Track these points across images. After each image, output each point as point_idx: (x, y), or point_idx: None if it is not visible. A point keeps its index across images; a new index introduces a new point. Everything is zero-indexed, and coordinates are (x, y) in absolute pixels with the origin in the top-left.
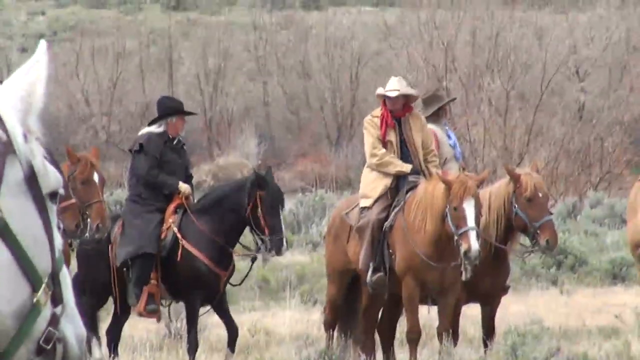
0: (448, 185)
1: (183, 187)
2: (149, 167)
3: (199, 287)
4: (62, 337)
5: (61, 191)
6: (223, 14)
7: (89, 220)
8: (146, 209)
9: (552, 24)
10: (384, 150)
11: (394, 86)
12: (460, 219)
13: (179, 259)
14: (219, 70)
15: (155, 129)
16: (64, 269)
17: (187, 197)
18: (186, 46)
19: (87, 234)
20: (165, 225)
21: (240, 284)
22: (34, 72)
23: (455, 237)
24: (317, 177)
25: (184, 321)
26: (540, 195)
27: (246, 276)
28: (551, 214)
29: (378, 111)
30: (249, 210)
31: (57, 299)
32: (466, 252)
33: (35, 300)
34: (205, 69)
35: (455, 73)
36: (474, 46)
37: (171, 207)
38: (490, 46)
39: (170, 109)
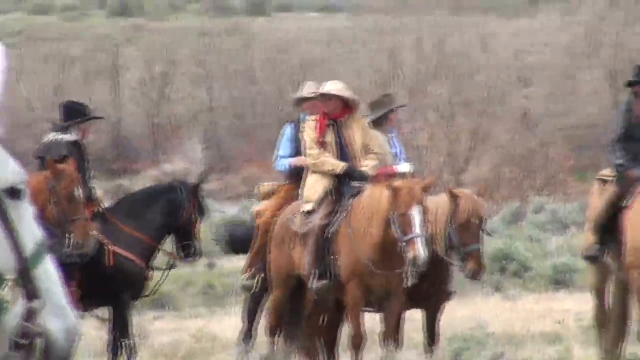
0: (394, 191)
1: (99, 193)
2: None
3: (130, 289)
4: (43, 331)
5: (22, 186)
6: (168, 20)
7: (71, 236)
8: None
9: (496, 30)
10: (317, 150)
11: (326, 88)
12: (407, 226)
13: (110, 263)
14: (165, 76)
15: (70, 137)
16: (45, 263)
17: (99, 203)
18: (131, 52)
19: (68, 250)
20: None
21: (149, 295)
22: None
23: (401, 244)
24: (262, 182)
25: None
26: (473, 221)
27: (158, 285)
28: (486, 234)
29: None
30: (185, 215)
31: (31, 294)
32: (413, 260)
33: None
34: (151, 75)
35: (400, 79)
36: (419, 52)
37: (87, 214)
38: (435, 52)
39: (81, 114)
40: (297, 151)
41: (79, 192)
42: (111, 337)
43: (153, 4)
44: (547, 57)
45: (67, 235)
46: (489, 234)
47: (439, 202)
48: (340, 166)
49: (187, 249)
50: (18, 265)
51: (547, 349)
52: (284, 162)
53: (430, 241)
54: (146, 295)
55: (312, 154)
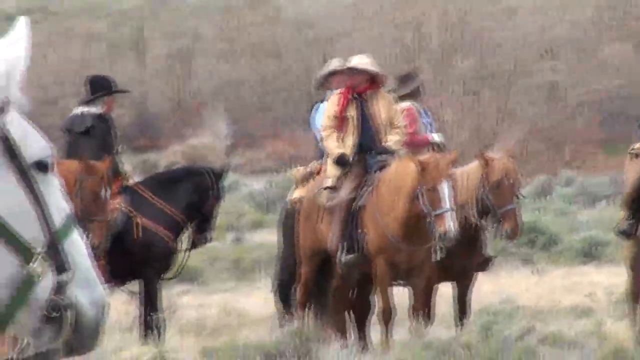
0: (421, 166)
1: (127, 168)
2: (97, 150)
3: (158, 262)
4: (72, 304)
5: (49, 160)
6: None
7: (89, 235)
8: None
9: (522, 2)
10: (328, 131)
11: (353, 62)
12: (436, 200)
13: (136, 236)
14: (189, 51)
15: (95, 110)
16: (73, 235)
17: (128, 177)
18: (156, 27)
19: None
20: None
21: (174, 277)
22: (15, 48)
23: (430, 219)
24: (288, 157)
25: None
26: (507, 182)
27: (183, 267)
28: (520, 197)
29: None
30: (211, 201)
31: (61, 266)
32: (443, 234)
33: (25, 271)
34: (176, 50)
35: (425, 53)
36: (443, 26)
37: (114, 188)
38: (460, 26)
39: (107, 88)
40: None
41: (105, 193)
42: (141, 311)
43: None
44: (573, 29)
45: (85, 233)
46: (523, 197)
47: (467, 170)
48: (334, 154)
49: (204, 232)
50: (47, 238)
51: (577, 322)
52: None
53: (460, 213)
54: (171, 278)
55: (322, 136)
